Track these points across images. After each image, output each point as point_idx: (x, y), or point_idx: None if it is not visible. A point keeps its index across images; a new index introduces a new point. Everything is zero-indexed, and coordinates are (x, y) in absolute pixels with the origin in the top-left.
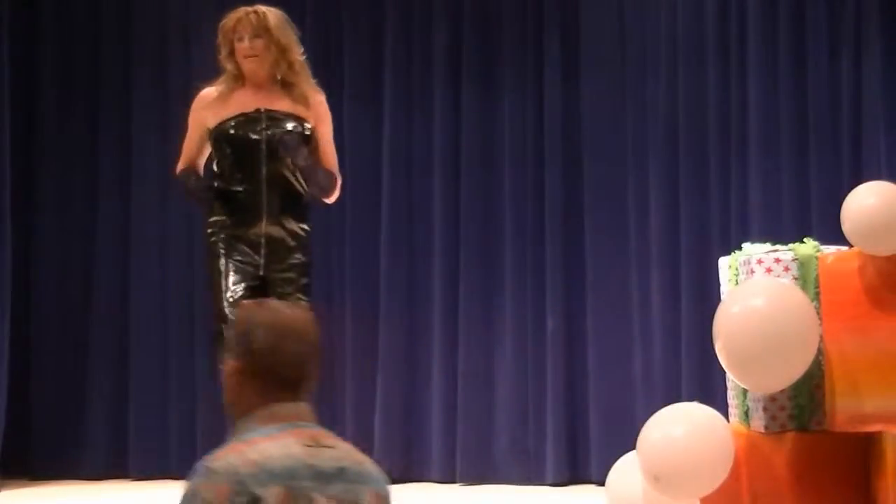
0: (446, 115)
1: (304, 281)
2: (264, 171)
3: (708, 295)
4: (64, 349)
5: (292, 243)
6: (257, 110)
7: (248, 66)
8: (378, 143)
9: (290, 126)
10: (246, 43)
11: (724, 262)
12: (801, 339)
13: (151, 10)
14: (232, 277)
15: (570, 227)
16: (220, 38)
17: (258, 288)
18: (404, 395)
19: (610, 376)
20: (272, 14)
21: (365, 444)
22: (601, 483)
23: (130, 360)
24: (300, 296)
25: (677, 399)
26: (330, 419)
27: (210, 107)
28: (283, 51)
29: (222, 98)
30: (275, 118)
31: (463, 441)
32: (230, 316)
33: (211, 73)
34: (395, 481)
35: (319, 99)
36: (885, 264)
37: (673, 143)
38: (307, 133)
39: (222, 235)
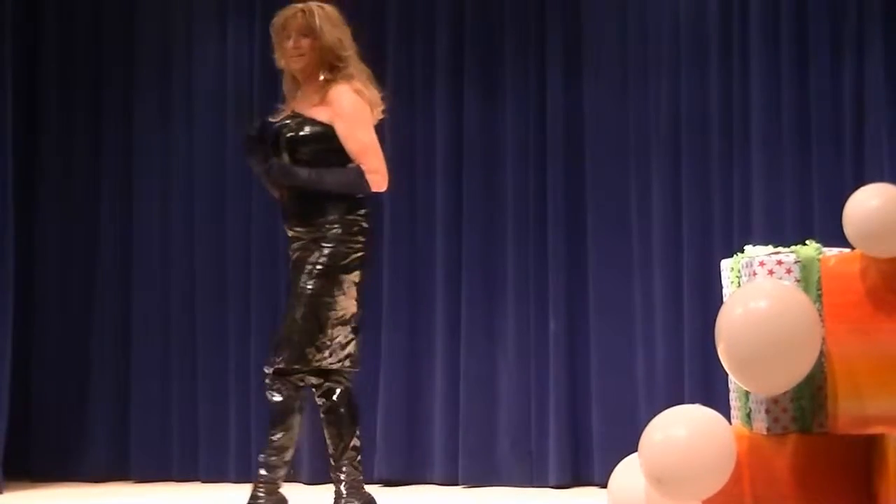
0: (448, 116)
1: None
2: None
3: (710, 297)
4: (66, 351)
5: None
6: (289, 114)
7: (293, 65)
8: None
9: (288, 133)
10: (291, 42)
11: (726, 264)
12: (803, 341)
13: (154, 9)
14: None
15: (573, 229)
16: (273, 38)
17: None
18: (406, 397)
19: (612, 378)
20: (321, 11)
21: (367, 446)
22: (603, 485)
23: (132, 361)
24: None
25: (679, 401)
26: None
27: (279, 111)
28: (328, 49)
29: (284, 100)
30: (283, 125)
31: (465, 443)
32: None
33: (212, 72)
34: (397, 483)
35: (337, 91)
36: (888, 266)
37: (675, 144)
38: (301, 135)
39: None
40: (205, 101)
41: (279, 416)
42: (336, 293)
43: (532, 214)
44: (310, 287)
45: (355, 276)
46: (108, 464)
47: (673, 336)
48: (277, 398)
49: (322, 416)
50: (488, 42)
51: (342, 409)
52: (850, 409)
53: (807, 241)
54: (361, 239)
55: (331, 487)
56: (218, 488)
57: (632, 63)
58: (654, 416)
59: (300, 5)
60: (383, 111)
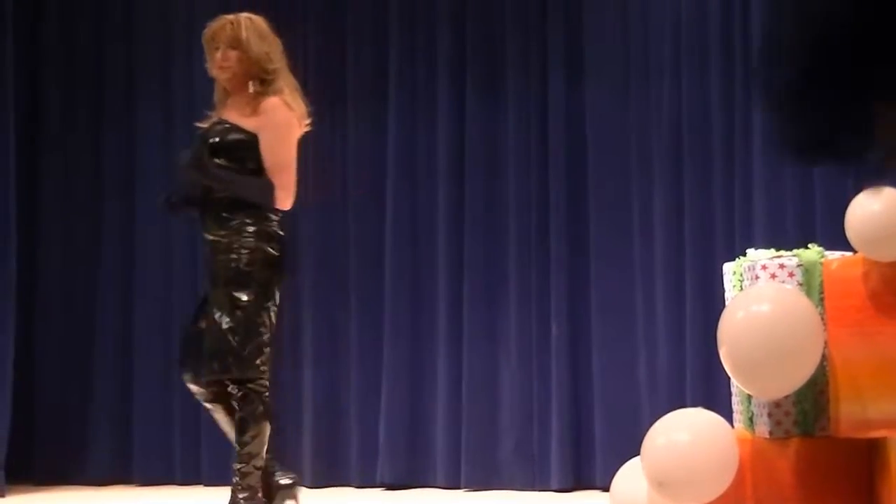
0: (450, 121)
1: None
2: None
3: (712, 300)
4: (68, 355)
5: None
6: (216, 121)
7: (221, 76)
8: (382, 150)
9: (214, 136)
10: (220, 53)
11: (728, 268)
12: (805, 345)
13: (155, 9)
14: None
15: (575, 233)
16: (204, 48)
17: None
18: (409, 401)
19: (614, 382)
20: (249, 23)
21: (370, 450)
22: (606, 489)
23: (134, 365)
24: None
25: (682, 405)
26: (335, 425)
27: (208, 117)
28: (254, 61)
29: (214, 107)
30: (208, 129)
31: (467, 446)
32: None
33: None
34: (400, 487)
35: (270, 104)
36: (890, 270)
37: (677, 148)
38: (229, 140)
39: None
40: (207, 103)
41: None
42: (260, 299)
43: (534, 218)
44: (232, 296)
45: (272, 279)
46: (110, 467)
47: (675, 339)
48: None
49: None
50: (490, 45)
51: (256, 411)
52: (852, 413)
53: (809, 245)
54: (276, 245)
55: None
56: (221, 492)
57: (633, 67)
58: (657, 419)
59: (230, 17)
60: (308, 124)
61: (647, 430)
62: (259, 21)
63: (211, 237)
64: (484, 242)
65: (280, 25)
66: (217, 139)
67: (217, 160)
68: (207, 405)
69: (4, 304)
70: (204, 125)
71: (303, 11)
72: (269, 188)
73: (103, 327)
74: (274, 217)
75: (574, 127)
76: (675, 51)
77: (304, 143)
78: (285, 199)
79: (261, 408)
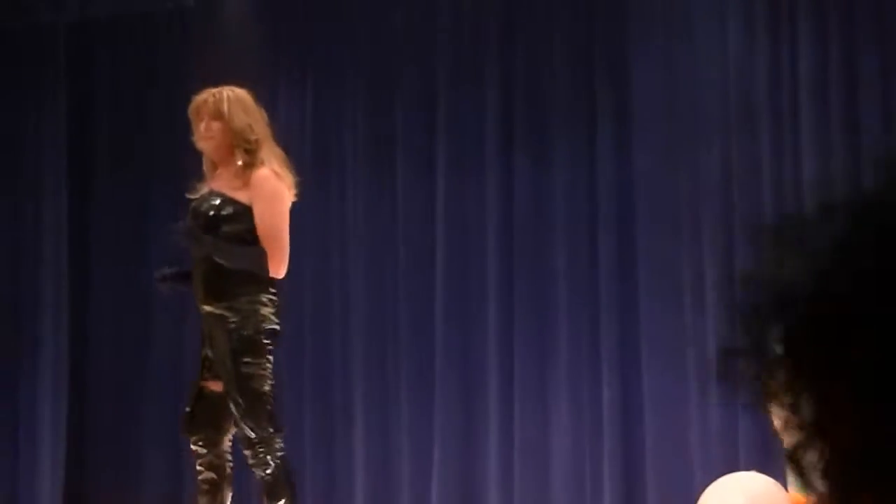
0: (499, 183)
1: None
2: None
3: None
4: (120, 392)
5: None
6: (208, 192)
7: (206, 147)
8: (432, 210)
9: (209, 209)
10: (203, 125)
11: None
12: None
13: (206, 74)
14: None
15: (625, 296)
16: (191, 120)
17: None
18: (461, 464)
19: (667, 444)
20: (232, 95)
21: None
22: None
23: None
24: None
25: (735, 468)
26: (386, 488)
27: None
28: (237, 133)
29: (204, 178)
30: (203, 201)
31: None
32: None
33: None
34: None
35: (261, 176)
36: None
37: (727, 213)
38: (224, 213)
39: None
40: None
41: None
42: (264, 364)
43: (583, 282)
44: (241, 365)
45: (270, 343)
46: (163, 498)
47: (727, 402)
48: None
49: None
50: (538, 107)
51: (280, 473)
52: None
53: None
54: (270, 314)
55: None
56: None
57: (682, 130)
58: (710, 482)
59: (213, 90)
60: (296, 195)
61: (701, 493)
62: (242, 93)
63: (208, 308)
64: (533, 306)
65: (329, 84)
66: (212, 212)
67: (216, 233)
68: (204, 472)
69: (58, 348)
70: (195, 196)
71: (352, 70)
72: (263, 257)
73: (155, 366)
74: (272, 287)
75: (622, 190)
76: (723, 115)
77: (354, 202)
78: (278, 267)
79: (285, 470)
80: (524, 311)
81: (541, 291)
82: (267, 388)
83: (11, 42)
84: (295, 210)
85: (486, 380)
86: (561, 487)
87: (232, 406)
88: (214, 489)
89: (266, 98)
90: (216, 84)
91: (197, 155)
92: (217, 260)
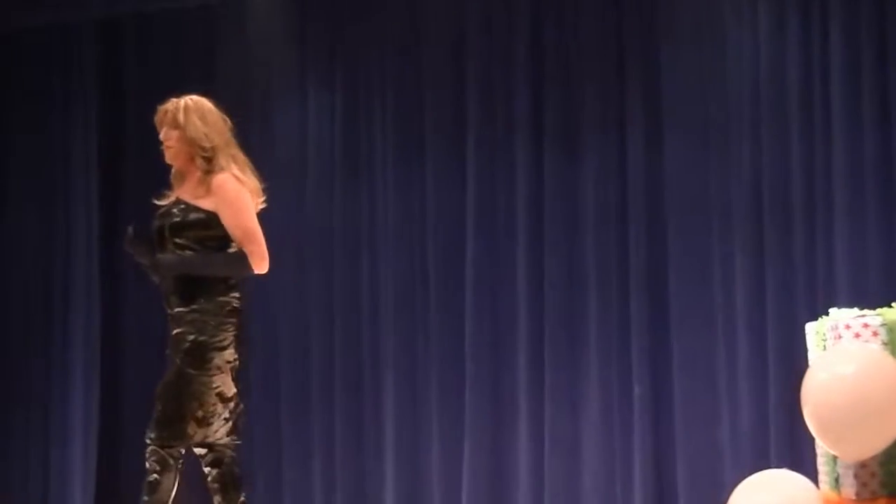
0: (529, 178)
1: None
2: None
3: (795, 360)
4: (151, 390)
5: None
6: (174, 201)
7: (166, 155)
8: (462, 210)
9: (174, 217)
10: (163, 135)
11: (810, 328)
12: (890, 405)
13: (234, 82)
14: None
15: (655, 292)
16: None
17: None
18: (491, 462)
19: (697, 442)
20: (190, 103)
21: None
22: None
23: None
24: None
25: (766, 466)
26: (417, 486)
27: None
28: (191, 142)
29: (171, 186)
30: (168, 210)
31: None
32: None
33: (293, 143)
34: None
35: (220, 181)
36: None
37: (758, 206)
38: (189, 220)
39: None
40: (286, 173)
41: (152, 487)
42: (212, 372)
43: (614, 277)
44: (187, 367)
45: (229, 354)
46: None
47: (758, 399)
48: (155, 470)
49: (210, 484)
50: (568, 104)
51: (227, 478)
52: None
53: (893, 304)
54: (233, 319)
55: None
56: None
57: (712, 125)
58: (741, 480)
59: (175, 100)
60: (264, 200)
61: (731, 491)
62: (200, 101)
63: (173, 312)
64: (564, 302)
65: (360, 86)
66: (178, 219)
67: (178, 240)
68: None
69: (90, 365)
70: (163, 203)
71: (382, 72)
72: (237, 260)
73: None
74: (235, 292)
75: (653, 185)
76: (754, 109)
77: (383, 200)
78: (260, 264)
79: (236, 470)
80: (554, 309)
81: (571, 289)
82: (196, 397)
83: (40, 41)
84: (325, 208)
85: (515, 378)
86: (591, 487)
87: (158, 401)
88: (160, 484)
89: (294, 96)
90: (244, 83)
91: None
92: (195, 273)
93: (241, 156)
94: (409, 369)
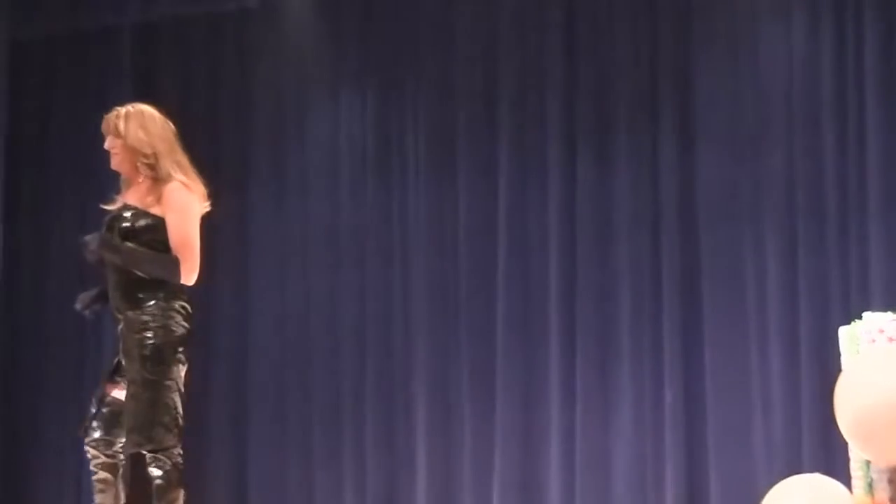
0: (561, 186)
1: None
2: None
3: (828, 364)
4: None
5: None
6: (122, 206)
7: (112, 162)
8: (494, 216)
9: (123, 222)
10: (106, 143)
11: (844, 332)
12: None
13: (268, 82)
14: None
15: (688, 298)
16: None
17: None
18: (522, 469)
19: (730, 447)
20: (132, 111)
21: None
22: None
23: (248, 435)
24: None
25: (799, 470)
26: (448, 494)
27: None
28: (132, 150)
29: (120, 191)
30: (118, 215)
31: None
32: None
33: (326, 145)
34: None
35: (170, 189)
36: None
37: (791, 211)
38: (138, 226)
39: None
40: (318, 175)
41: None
42: (174, 373)
43: (646, 283)
44: (148, 372)
45: (181, 354)
46: None
47: (791, 404)
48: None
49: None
50: (601, 110)
51: (173, 478)
52: None
53: None
54: (182, 321)
55: None
56: None
57: (745, 130)
58: (774, 485)
59: (118, 108)
60: (208, 205)
61: (764, 496)
62: (142, 109)
63: (122, 316)
64: (596, 307)
65: (393, 91)
66: (128, 224)
67: (128, 243)
68: (100, 473)
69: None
70: (112, 208)
71: (415, 77)
72: (173, 264)
73: (218, 398)
74: (182, 294)
75: (685, 191)
76: (787, 112)
77: (415, 204)
78: (189, 274)
79: (177, 475)
80: (586, 317)
81: (603, 294)
82: (169, 399)
83: (77, 45)
84: (357, 212)
85: (547, 384)
86: (623, 491)
87: (129, 411)
88: (110, 488)
89: (327, 99)
90: (278, 86)
91: (263, 155)
92: (130, 268)
93: (185, 161)
94: (441, 375)
